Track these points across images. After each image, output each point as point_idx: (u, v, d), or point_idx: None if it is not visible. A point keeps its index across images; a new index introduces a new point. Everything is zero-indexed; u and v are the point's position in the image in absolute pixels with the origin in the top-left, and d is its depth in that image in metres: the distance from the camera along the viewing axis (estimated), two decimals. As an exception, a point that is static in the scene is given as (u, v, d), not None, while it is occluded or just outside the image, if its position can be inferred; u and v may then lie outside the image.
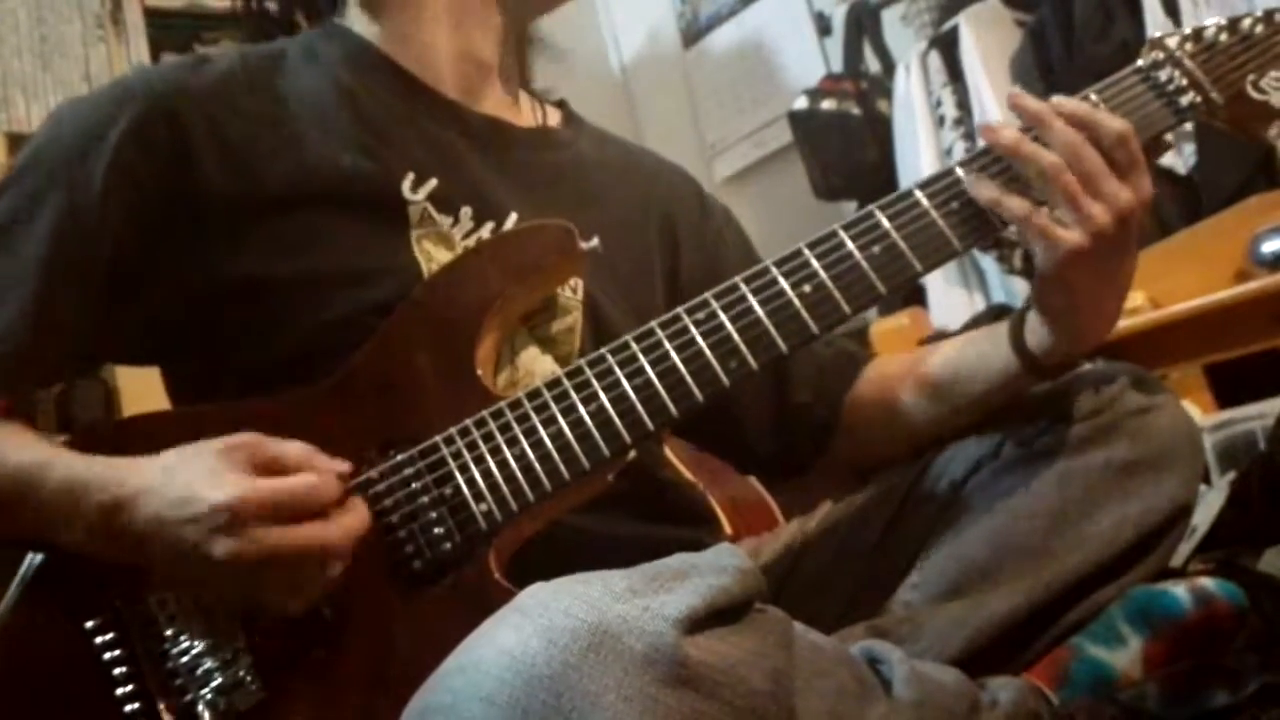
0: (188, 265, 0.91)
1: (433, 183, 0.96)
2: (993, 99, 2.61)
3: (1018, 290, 2.55)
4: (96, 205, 0.89)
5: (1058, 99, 0.88)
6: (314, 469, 0.78)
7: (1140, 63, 0.93)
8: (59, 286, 0.88)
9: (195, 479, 0.76)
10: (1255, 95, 0.92)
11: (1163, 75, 0.92)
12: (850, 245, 0.87)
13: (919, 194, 0.88)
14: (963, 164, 0.89)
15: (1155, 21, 2.33)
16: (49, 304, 0.88)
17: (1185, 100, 0.91)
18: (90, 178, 0.89)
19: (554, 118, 1.13)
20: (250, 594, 0.78)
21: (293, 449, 0.79)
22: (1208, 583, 0.93)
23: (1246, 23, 0.94)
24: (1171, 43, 0.94)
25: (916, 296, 2.69)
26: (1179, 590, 0.92)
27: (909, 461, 1.02)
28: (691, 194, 1.18)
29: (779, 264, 0.87)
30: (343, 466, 0.80)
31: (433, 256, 0.94)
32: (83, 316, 0.90)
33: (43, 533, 0.80)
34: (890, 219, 0.87)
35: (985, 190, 0.87)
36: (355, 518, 0.78)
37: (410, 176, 0.95)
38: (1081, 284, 0.86)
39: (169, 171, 0.90)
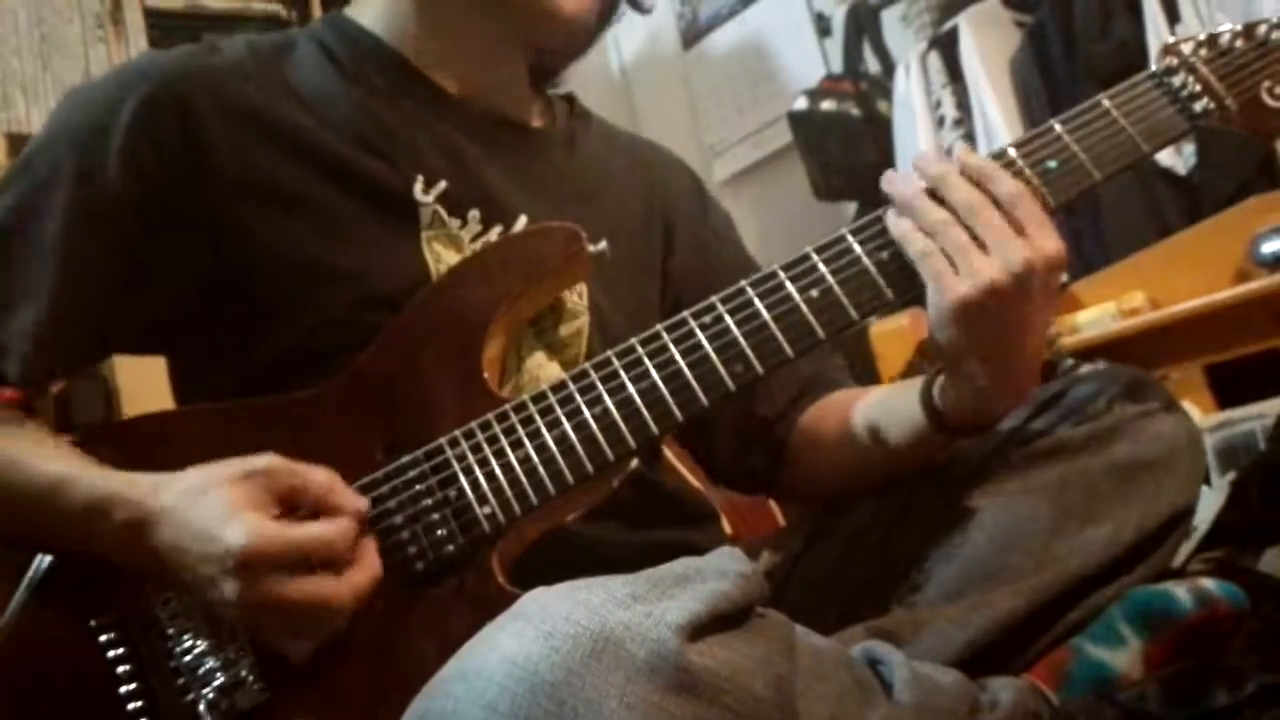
0: (197, 251, 0.91)
1: (442, 185, 0.96)
2: (992, 99, 2.62)
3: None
4: (108, 194, 0.89)
5: (963, 154, 0.86)
6: (333, 507, 0.78)
7: (1154, 68, 0.92)
8: (76, 278, 0.89)
9: (214, 515, 0.76)
10: (1270, 102, 0.91)
11: (1176, 81, 0.91)
12: (858, 250, 0.86)
13: None
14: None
15: (1155, 22, 2.34)
16: (67, 297, 0.88)
17: (1199, 106, 0.91)
18: (101, 166, 0.89)
19: (561, 113, 1.12)
20: (257, 630, 0.79)
21: (315, 480, 0.79)
22: (1208, 583, 0.93)
23: (1262, 29, 0.93)
24: (1186, 48, 0.93)
25: (917, 298, 2.69)
26: (1179, 590, 0.91)
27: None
28: (693, 191, 1.18)
29: (786, 268, 0.86)
30: (362, 504, 0.80)
31: (441, 258, 0.94)
32: (100, 306, 0.90)
33: (65, 544, 0.82)
34: None
35: (901, 225, 0.85)
36: (365, 574, 0.78)
37: (420, 178, 0.95)
38: (978, 340, 0.84)
39: (177, 156, 0.90)
